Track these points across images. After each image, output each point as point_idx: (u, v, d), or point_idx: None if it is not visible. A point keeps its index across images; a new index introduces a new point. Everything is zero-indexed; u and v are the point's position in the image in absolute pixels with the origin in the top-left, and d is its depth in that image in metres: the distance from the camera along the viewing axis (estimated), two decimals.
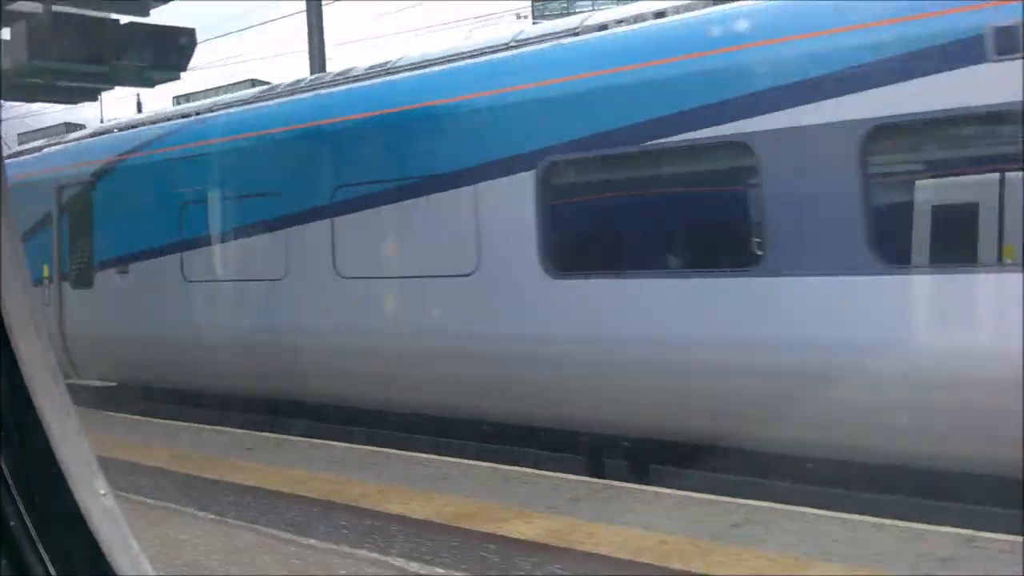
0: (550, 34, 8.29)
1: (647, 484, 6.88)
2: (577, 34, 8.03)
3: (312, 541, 5.81)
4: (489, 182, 7.88)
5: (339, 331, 8.98)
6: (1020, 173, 5.53)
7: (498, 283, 7.80)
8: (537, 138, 7.62)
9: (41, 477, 1.48)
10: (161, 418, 10.63)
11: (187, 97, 70.69)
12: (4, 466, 1.47)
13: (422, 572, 5.19)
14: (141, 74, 10.17)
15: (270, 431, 9.46)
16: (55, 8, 9.16)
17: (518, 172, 7.67)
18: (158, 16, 10.16)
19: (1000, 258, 5.69)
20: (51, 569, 1.46)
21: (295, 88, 10.48)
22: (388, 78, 9.25)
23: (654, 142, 7.07)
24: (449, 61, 8.80)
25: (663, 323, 6.89)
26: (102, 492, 1.55)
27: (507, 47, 8.43)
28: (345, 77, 9.89)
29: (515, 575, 5.10)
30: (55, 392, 1.52)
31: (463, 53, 8.81)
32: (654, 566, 5.01)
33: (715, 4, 7.17)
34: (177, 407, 11.01)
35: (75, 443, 1.53)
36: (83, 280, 12.07)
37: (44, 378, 1.50)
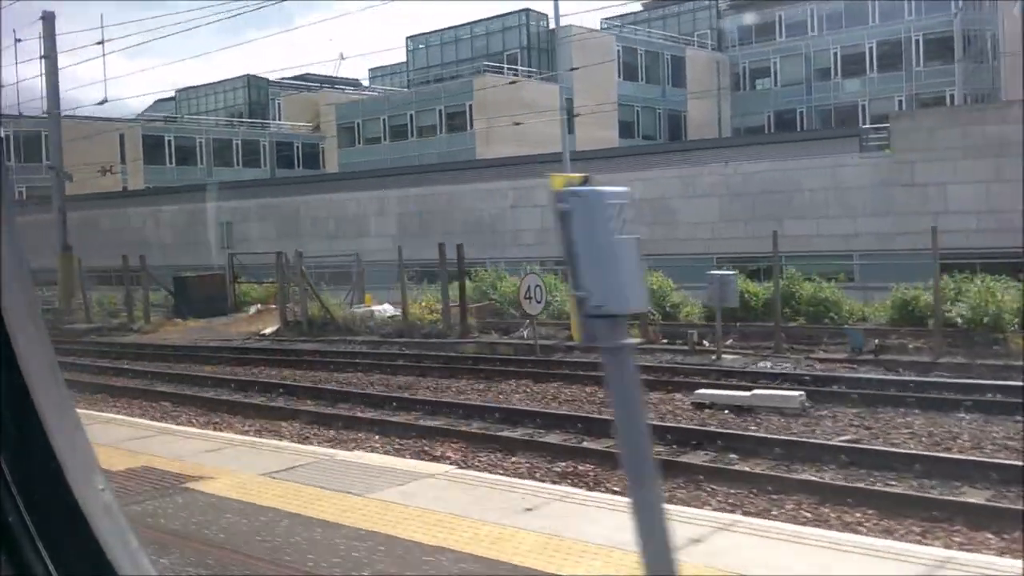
0: None
1: None
2: None
3: None
4: None
5: None
6: None
7: None
8: None
9: (40, 474, 1.45)
10: None
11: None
12: (3, 463, 1.42)
13: None
14: None
15: None
16: None
17: None
18: None
19: None
20: (50, 566, 1.42)
21: None
22: None
23: None
24: None
25: None
26: (101, 488, 1.53)
27: None
28: None
29: None
30: (54, 388, 1.49)
31: None
32: None
33: None
34: None
35: (74, 439, 1.51)
36: None
37: (43, 374, 1.46)
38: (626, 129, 58.94)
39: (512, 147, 46.63)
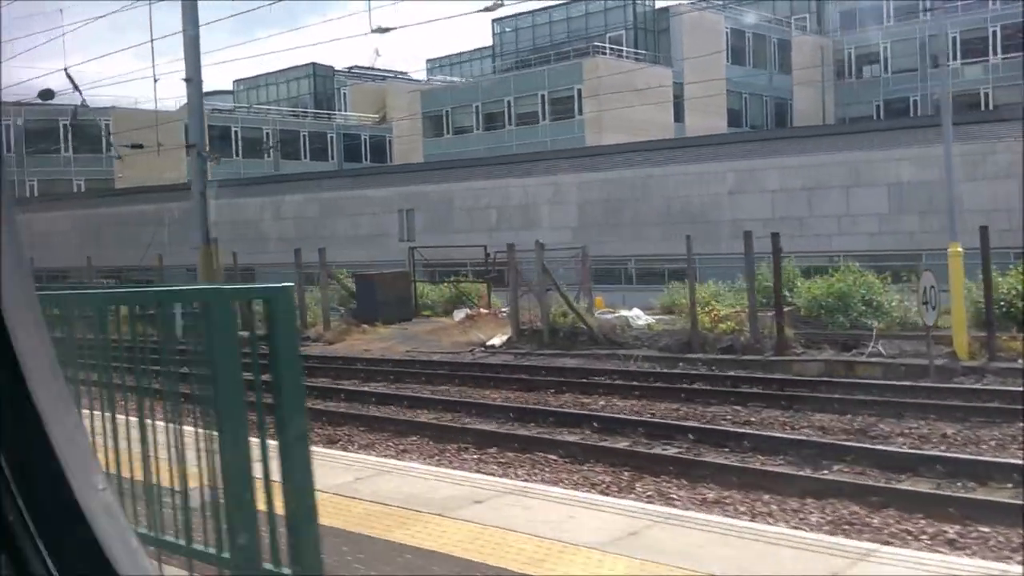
0: None
1: None
2: None
3: None
4: None
5: None
6: None
7: None
8: None
9: (40, 472, 1.45)
10: None
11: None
12: (3, 462, 1.42)
13: None
14: None
15: None
16: None
17: None
18: None
19: None
20: (50, 565, 1.43)
21: None
22: None
23: None
24: None
25: None
26: (101, 487, 1.54)
27: None
28: None
29: None
30: (54, 387, 1.50)
31: None
32: None
33: None
34: None
35: (74, 438, 1.51)
36: None
37: (43, 372, 1.47)
38: (734, 117, 54.63)
39: (622, 135, 42.29)
